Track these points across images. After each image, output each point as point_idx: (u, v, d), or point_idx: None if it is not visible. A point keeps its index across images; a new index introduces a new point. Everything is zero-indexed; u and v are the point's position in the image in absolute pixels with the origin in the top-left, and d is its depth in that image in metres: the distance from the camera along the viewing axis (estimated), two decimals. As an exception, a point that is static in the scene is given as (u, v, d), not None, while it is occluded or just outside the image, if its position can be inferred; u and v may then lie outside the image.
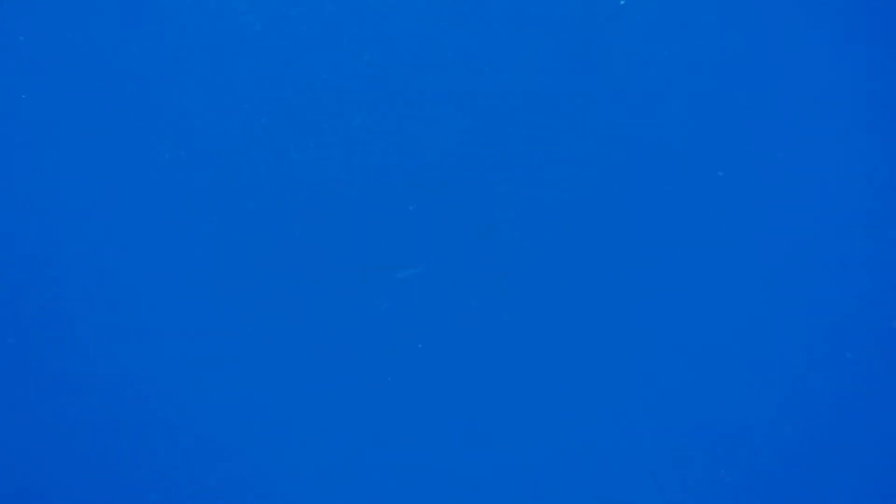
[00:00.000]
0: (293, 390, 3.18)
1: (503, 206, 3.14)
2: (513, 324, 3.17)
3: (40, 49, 3.10)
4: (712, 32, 3.09)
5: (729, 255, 3.13)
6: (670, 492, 3.17)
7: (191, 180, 3.13)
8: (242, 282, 3.16)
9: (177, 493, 3.19)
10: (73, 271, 3.15)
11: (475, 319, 3.17)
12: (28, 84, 3.10)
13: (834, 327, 3.12)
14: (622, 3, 3.03)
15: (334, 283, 3.16)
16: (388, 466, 3.20)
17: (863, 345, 3.12)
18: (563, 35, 3.10)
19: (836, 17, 3.07)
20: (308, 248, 3.15)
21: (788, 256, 3.12)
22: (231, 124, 3.12)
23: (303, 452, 3.20)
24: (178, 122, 3.11)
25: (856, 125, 3.08)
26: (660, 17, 3.08)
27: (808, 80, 3.09)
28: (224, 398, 3.18)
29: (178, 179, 3.13)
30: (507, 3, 3.09)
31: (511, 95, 3.11)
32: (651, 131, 3.11)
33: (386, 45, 3.09)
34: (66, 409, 3.17)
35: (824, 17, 3.08)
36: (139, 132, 3.12)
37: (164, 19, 3.10)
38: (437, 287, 3.15)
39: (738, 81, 3.09)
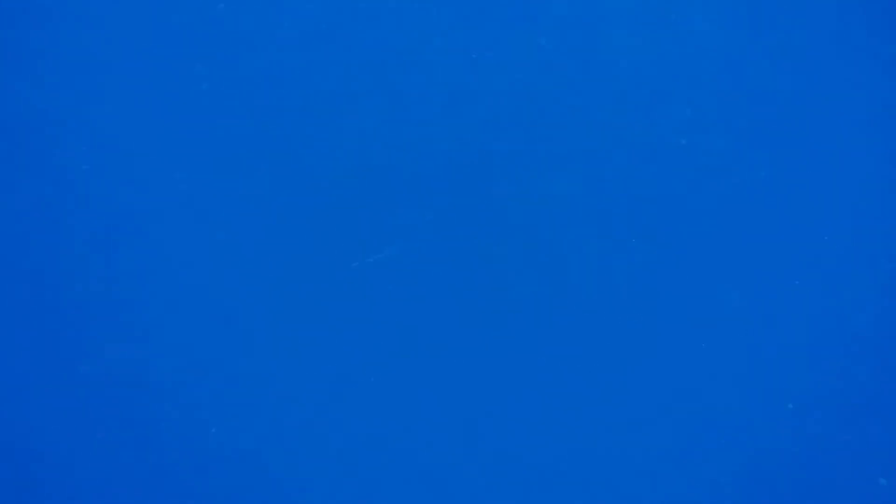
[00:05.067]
0: (286, 384, 3.19)
1: (502, 205, 3.14)
2: (511, 320, 3.17)
3: (41, 49, 3.12)
4: (715, 33, 3.09)
5: (731, 257, 3.12)
6: (671, 492, 3.16)
7: (180, 180, 3.15)
8: (239, 279, 3.18)
9: (174, 493, 3.21)
10: (76, 270, 3.17)
11: (469, 317, 3.17)
12: (29, 84, 3.13)
13: (835, 328, 3.12)
14: None
15: (328, 281, 3.17)
16: (380, 461, 3.20)
17: (865, 346, 3.11)
18: (565, 35, 3.11)
19: (837, 18, 3.08)
20: (298, 244, 3.16)
21: (791, 258, 3.12)
22: (220, 127, 3.14)
23: (294, 446, 3.20)
24: (170, 123, 3.14)
25: (859, 127, 3.08)
26: (663, 18, 3.09)
27: (810, 81, 3.09)
28: (216, 394, 3.19)
29: (162, 179, 3.15)
30: (508, 3, 3.10)
31: (503, 92, 3.12)
32: (652, 132, 3.12)
33: (378, 43, 3.10)
34: (67, 409, 3.18)
35: (826, 19, 3.08)
36: (135, 131, 3.15)
37: (165, 19, 3.13)
38: (435, 284, 3.15)
39: (743, 83, 3.09)
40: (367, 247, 3.13)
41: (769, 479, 3.14)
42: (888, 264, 3.09)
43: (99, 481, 3.17)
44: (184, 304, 3.16)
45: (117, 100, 3.15)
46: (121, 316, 3.16)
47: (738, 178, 3.11)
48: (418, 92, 3.12)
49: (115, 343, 3.16)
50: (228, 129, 3.14)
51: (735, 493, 3.14)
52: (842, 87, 3.08)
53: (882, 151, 3.08)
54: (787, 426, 3.13)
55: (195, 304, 3.16)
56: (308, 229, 3.15)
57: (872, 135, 3.07)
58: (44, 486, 3.17)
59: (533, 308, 3.14)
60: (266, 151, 3.15)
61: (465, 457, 3.16)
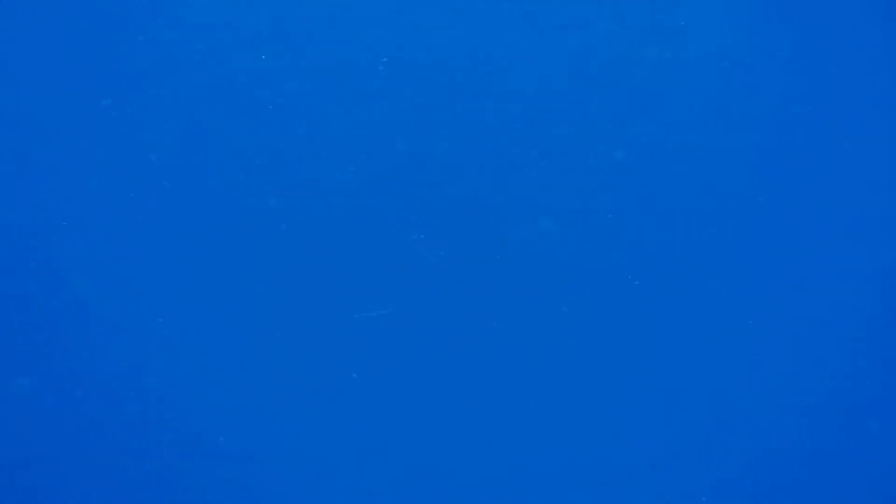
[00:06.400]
0: (284, 397, 3.18)
1: (505, 216, 3.14)
2: (516, 331, 3.16)
3: (40, 49, 3.10)
4: (715, 33, 3.08)
5: (731, 258, 3.12)
6: (671, 494, 3.17)
7: (182, 186, 3.13)
8: (236, 283, 3.16)
9: (171, 494, 3.20)
10: (74, 272, 3.16)
11: (456, 364, 3.16)
12: (27, 84, 3.11)
13: (836, 330, 3.12)
14: None
15: (326, 292, 3.15)
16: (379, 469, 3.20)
17: (865, 348, 3.11)
18: (565, 35, 3.09)
19: (838, 17, 3.07)
20: (300, 258, 3.15)
21: (792, 259, 3.12)
22: (226, 133, 3.12)
23: (291, 461, 3.21)
24: (171, 127, 3.12)
25: (860, 127, 3.07)
26: (663, 18, 3.08)
27: (811, 80, 3.08)
28: (214, 403, 3.19)
29: (166, 185, 3.13)
30: (507, 3, 3.08)
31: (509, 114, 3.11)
32: (653, 134, 3.11)
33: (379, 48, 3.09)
34: (65, 410, 3.17)
35: (827, 18, 3.08)
36: (135, 133, 3.13)
37: (165, 19, 3.11)
38: (416, 331, 3.15)
39: (745, 82, 3.09)
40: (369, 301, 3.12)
41: (768, 480, 3.15)
42: (889, 265, 3.09)
43: (96, 482, 3.17)
44: (185, 350, 3.15)
45: (117, 100, 3.13)
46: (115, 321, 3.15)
47: (739, 178, 3.11)
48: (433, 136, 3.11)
49: (116, 346, 3.16)
50: (230, 142, 3.12)
51: (734, 494, 3.15)
52: (842, 86, 3.08)
53: (884, 152, 3.08)
54: (786, 428, 3.14)
55: (193, 348, 3.15)
56: (302, 248, 3.14)
57: (875, 135, 3.07)
58: (41, 487, 3.17)
59: (537, 321, 3.14)
60: (264, 165, 3.13)
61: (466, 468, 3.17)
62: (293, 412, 3.16)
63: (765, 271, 3.11)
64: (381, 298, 3.09)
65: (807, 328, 3.12)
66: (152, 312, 3.13)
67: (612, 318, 3.13)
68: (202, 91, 3.10)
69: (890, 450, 3.10)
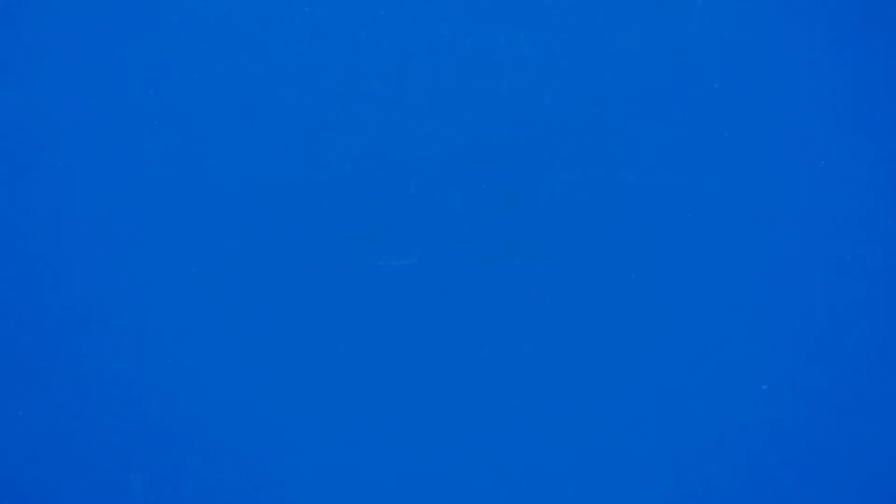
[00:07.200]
0: (290, 386, 3.18)
1: (508, 202, 3.14)
2: (515, 320, 3.16)
3: (41, 49, 3.09)
4: (717, 32, 3.09)
5: (732, 257, 3.13)
6: (671, 493, 3.17)
7: (188, 176, 3.12)
8: (239, 278, 3.16)
9: (173, 494, 3.19)
10: (74, 273, 3.15)
11: (474, 315, 3.16)
12: (29, 85, 3.10)
13: (834, 328, 3.13)
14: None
15: (332, 279, 3.15)
16: (381, 461, 3.20)
17: (863, 346, 3.12)
18: (568, 34, 3.10)
19: (836, 17, 3.08)
20: (305, 242, 3.14)
21: (791, 257, 3.12)
22: (228, 122, 3.11)
23: (298, 448, 3.19)
24: (175, 120, 3.11)
25: (858, 126, 3.08)
26: (665, 17, 3.08)
27: (810, 79, 3.09)
28: (217, 394, 3.18)
29: (175, 174, 3.12)
30: (510, 2, 3.09)
31: (514, 93, 3.11)
32: (654, 132, 3.11)
33: (385, 43, 3.08)
34: (65, 411, 3.17)
35: (825, 17, 3.08)
36: (137, 133, 3.12)
37: (165, 19, 3.10)
38: (437, 283, 3.14)
39: (752, 82, 3.09)
40: (391, 251, 3.12)
41: (766, 479, 3.16)
42: (885, 266, 3.10)
43: (95, 482, 3.16)
44: (198, 302, 3.16)
45: (118, 100, 3.12)
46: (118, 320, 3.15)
47: (740, 177, 3.12)
48: (420, 91, 3.11)
49: (118, 346, 3.15)
50: (233, 132, 3.11)
51: (732, 493, 3.16)
52: (841, 86, 3.09)
53: (882, 153, 3.09)
54: (783, 426, 3.15)
55: (210, 302, 3.16)
56: (306, 232, 3.14)
57: (873, 136, 3.08)
58: (41, 487, 3.16)
59: (536, 311, 3.14)
60: (266, 155, 3.12)
61: (475, 459, 3.16)
62: (309, 368, 3.17)
63: (765, 270, 3.13)
64: (406, 248, 3.09)
65: (805, 325, 3.14)
66: (177, 271, 3.14)
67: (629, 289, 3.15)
68: (201, 87, 3.10)
69: (888, 449, 3.12)
